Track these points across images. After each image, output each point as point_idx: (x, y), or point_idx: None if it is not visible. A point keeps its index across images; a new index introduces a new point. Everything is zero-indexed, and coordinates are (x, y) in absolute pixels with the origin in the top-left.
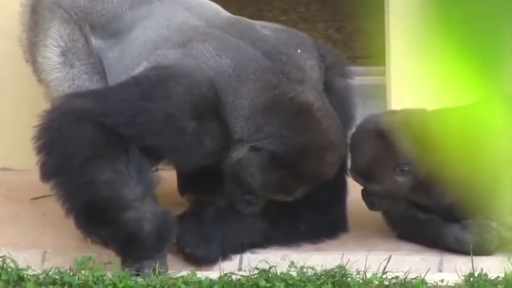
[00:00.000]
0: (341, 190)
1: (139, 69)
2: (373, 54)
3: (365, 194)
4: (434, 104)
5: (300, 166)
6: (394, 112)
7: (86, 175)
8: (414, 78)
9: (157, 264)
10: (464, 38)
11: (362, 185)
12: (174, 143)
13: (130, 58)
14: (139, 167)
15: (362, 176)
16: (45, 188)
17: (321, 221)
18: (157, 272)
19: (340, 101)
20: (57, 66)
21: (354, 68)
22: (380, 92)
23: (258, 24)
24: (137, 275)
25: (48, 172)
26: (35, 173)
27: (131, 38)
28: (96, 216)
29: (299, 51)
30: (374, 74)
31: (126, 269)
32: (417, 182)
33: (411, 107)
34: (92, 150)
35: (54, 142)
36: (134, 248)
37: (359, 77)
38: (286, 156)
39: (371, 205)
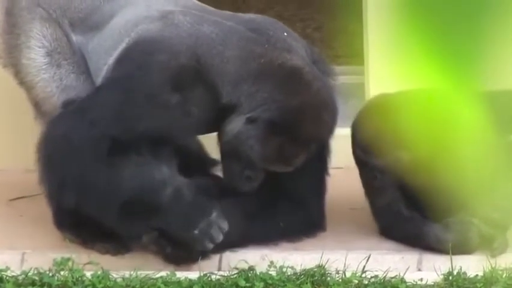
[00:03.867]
0: (319, 187)
1: (122, 46)
2: (352, 53)
3: (367, 169)
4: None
5: (298, 128)
6: (400, 92)
7: (110, 193)
8: (392, 77)
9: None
10: (438, 39)
11: (364, 159)
12: (163, 121)
13: (111, 40)
14: (150, 154)
15: (365, 151)
16: (22, 188)
17: (299, 219)
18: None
19: None
20: (44, 67)
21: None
22: (359, 90)
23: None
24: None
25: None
26: (12, 174)
27: (111, 25)
28: (140, 210)
29: (285, 34)
30: (353, 73)
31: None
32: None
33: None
34: (101, 165)
35: (63, 178)
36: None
37: (338, 77)
38: (283, 121)
39: (372, 179)
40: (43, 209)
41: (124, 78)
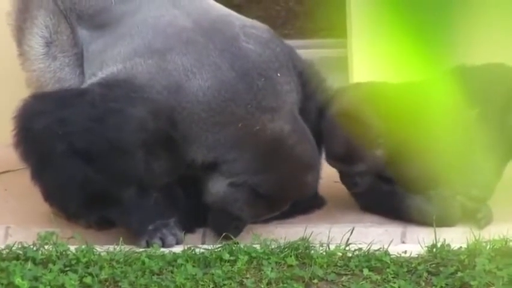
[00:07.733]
0: None
1: (113, 69)
2: (334, 26)
3: (347, 177)
4: (394, 76)
5: (282, 194)
6: (356, 86)
7: (69, 184)
8: (375, 50)
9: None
10: (417, 15)
11: (344, 169)
12: (120, 169)
13: (110, 53)
14: None
15: (344, 161)
16: (7, 163)
17: (299, 208)
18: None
19: (315, 127)
20: (41, 57)
21: (315, 41)
22: (342, 64)
23: (243, 32)
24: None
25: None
26: None
27: (116, 33)
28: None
29: (279, 74)
30: (335, 47)
31: None
32: (387, 154)
33: (372, 80)
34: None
35: (27, 161)
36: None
37: (321, 50)
38: (266, 190)
39: (353, 186)
40: (28, 184)
41: (105, 110)
